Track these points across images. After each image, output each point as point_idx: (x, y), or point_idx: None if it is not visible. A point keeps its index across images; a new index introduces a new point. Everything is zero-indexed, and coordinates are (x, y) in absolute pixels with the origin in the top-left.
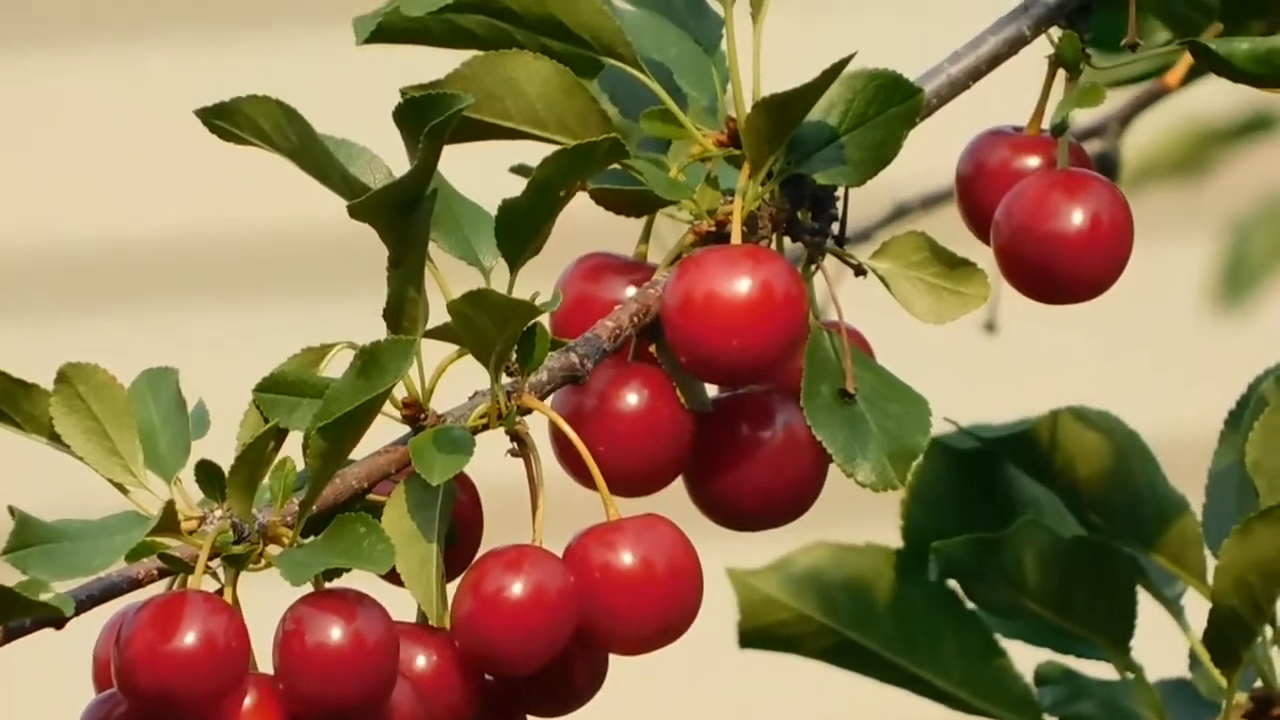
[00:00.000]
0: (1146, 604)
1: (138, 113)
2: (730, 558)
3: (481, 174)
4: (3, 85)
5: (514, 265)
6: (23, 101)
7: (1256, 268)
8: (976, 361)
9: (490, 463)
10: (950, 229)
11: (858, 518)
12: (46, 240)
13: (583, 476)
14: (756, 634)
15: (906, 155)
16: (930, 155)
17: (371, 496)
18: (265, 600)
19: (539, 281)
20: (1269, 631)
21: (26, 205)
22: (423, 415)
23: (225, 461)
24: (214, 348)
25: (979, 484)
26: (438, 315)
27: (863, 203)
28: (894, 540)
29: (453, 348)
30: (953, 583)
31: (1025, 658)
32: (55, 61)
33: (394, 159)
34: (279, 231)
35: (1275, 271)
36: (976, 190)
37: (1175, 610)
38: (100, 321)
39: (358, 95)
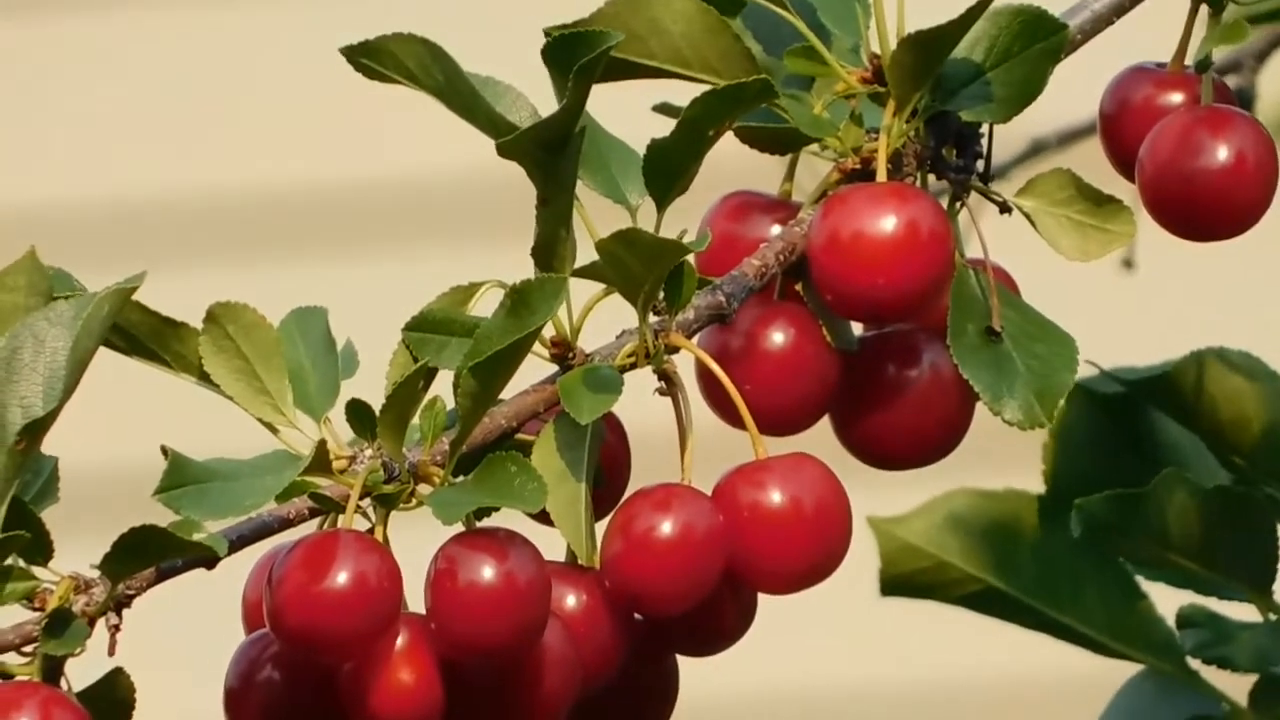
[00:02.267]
0: None
1: (287, 59)
2: (873, 497)
3: (624, 114)
4: (152, 36)
5: (661, 204)
6: (175, 52)
7: None
8: (1117, 302)
9: (639, 404)
10: (1087, 165)
11: (999, 463)
12: (202, 189)
13: (730, 415)
14: (897, 581)
15: (1044, 92)
16: (1066, 92)
17: (520, 435)
18: (416, 540)
19: (683, 220)
20: None
21: (182, 154)
22: (571, 354)
23: (373, 403)
24: (366, 296)
25: (1121, 428)
26: (585, 254)
27: (999, 140)
28: (1035, 485)
29: (600, 287)
30: None
31: (1167, 601)
32: (202, 15)
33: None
34: (427, 179)
35: None
36: (1120, 127)
37: None
38: (252, 270)
39: (498, 36)
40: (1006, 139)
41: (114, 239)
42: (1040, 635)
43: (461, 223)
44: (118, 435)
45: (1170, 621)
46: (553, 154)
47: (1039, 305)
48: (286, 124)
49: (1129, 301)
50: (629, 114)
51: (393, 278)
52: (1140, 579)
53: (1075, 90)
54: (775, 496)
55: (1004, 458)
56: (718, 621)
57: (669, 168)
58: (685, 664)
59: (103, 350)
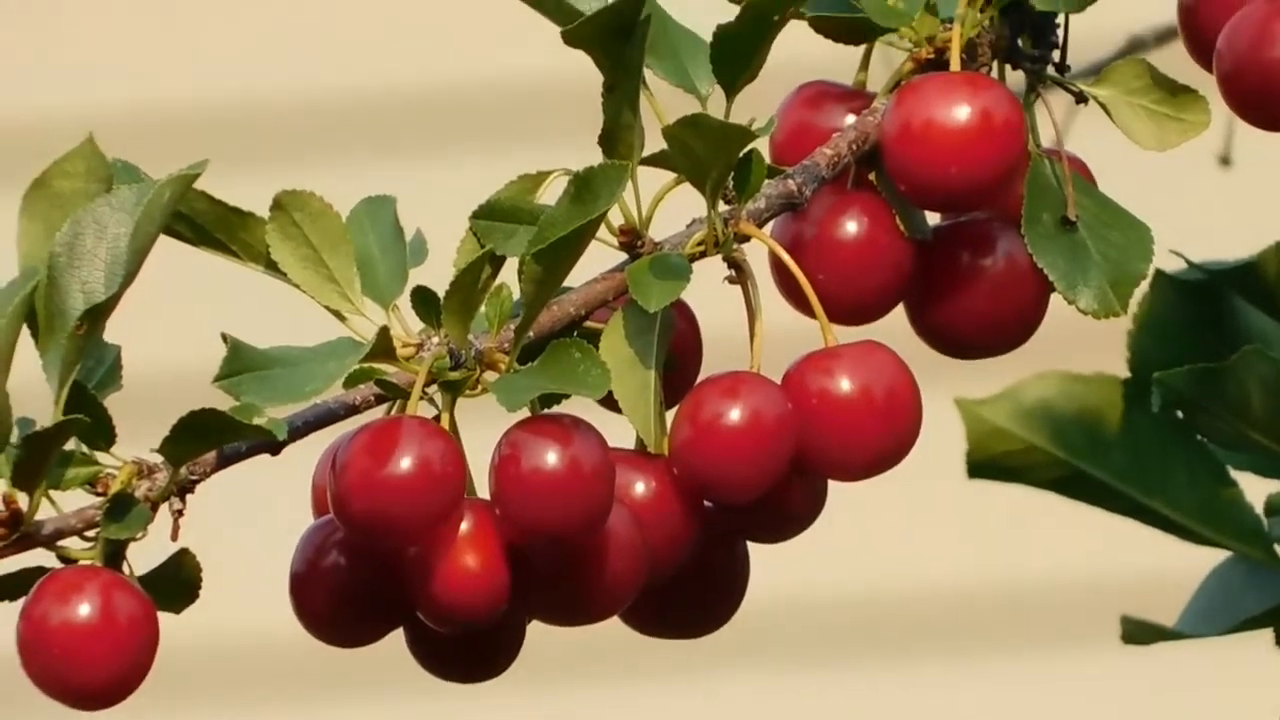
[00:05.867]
0: None
1: None
2: (949, 390)
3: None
4: None
5: (730, 92)
6: None
7: None
8: (1208, 195)
9: (711, 293)
10: (1186, 63)
11: (1086, 349)
12: (286, 90)
13: (801, 305)
14: (985, 464)
15: None
16: None
17: (590, 324)
18: (487, 430)
19: (759, 111)
20: None
21: (257, 58)
22: (640, 242)
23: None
24: (441, 197)
25: (1205, 316)
26: (657, 144)
27: (1096, 37)
28: (1122, 372)
29: (671, 176)
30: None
31: (1255, 490)
32: None
33: None
34: (504, 82)
35: None
36: (1199, 18)
37: None
38: (326, 172)
39: None
40: (1103, 36)
41: (189, 140)
42: (1117, 531)
43: (541, 125)
44: (186, 329)
45: (1259, 508)
46: (618, 41)
47: (1130, 198)
48: (355, 29)
49: (1224, 196)
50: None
51: (471, 179)
52: (1230, 468)
53: None
54: (844, 383)
55: (1087, 345)
56: (788, 508)
57: (735, 54)
58: (764, 561)
59: (171, 243)
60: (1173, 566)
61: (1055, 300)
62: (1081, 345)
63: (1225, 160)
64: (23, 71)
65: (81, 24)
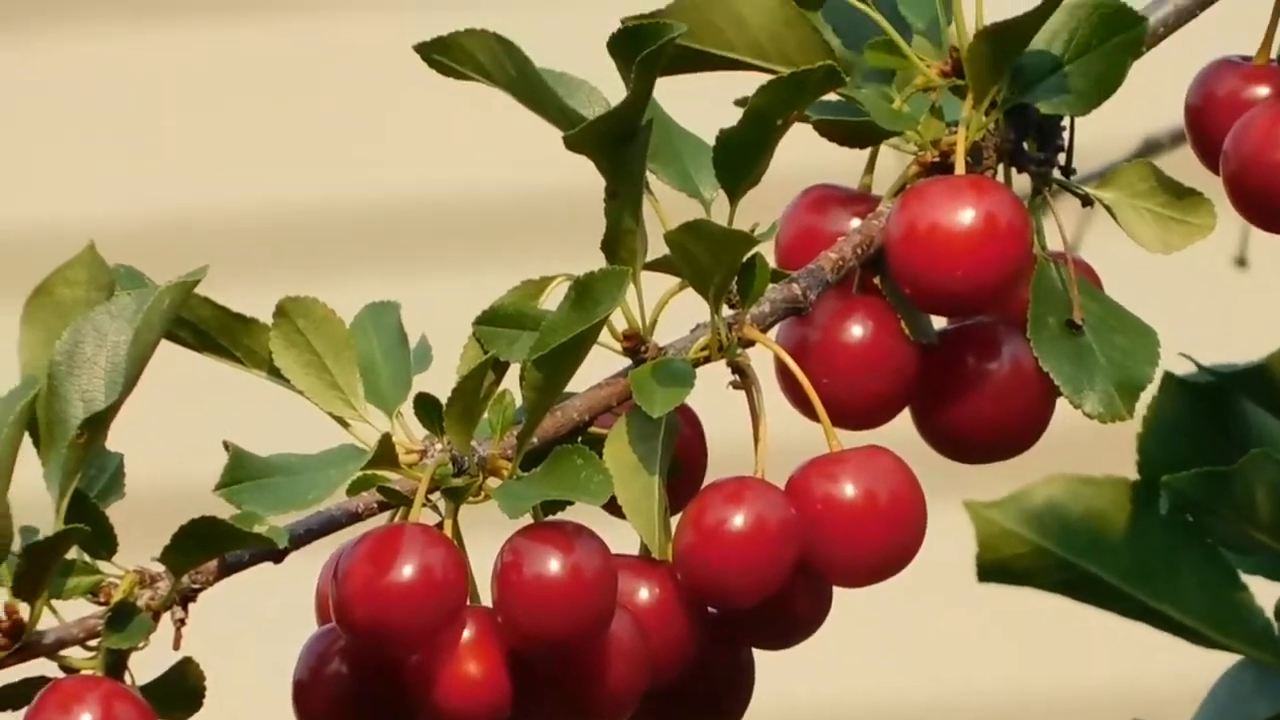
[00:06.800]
0: None
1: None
2: (953, 494)
3: (708, 109)
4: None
5: (733, 196)
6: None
7: None
8: (1221, 298)
9: (715, 399)
10: (1200, 165)
11: (1096, 451)
12: (287, 201)
13: (806, 409)
14: (994, 567)
15: (1159, 89)
16: (1181, 89)
17: (593, 429)
18: (490, 537)
19: (764, 215)
20: None
21: (271, 167)
22: (644, 347)
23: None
24: (441, 308)
25: (1214, 419)
26: (659, 248)
27: (1112, 139)
28: (1133, 473)
29: (675, 281)
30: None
31: (1266, 593)
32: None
33: (617, 95)
34: (508, 195)
35: None
36: (1206, 120)
37: None
38: (336, 280)
39: (580, 30)
40: (1119, 138)
41: (190, 251)
42: (1127, 637)
43: (545, 233)
44: (188, 437)
45: (1269, 612)
46: (619, 145)
47: (1137, 301)
48: (356, 138)
49: (1237, 298)
50: (712, 110)
51: (474, 287)
52: (1239, 571)
53: (1184, 87)
54: (848, 488)
55: (1097, 447)
56: (792, 614)
57: (738, 158)
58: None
59: (174, 349)
60: (1182, 671)
61: (1063, 403)
62: (1092, 447)
63: (1241, 261)
64: (23, 180)
65: (82, 133)
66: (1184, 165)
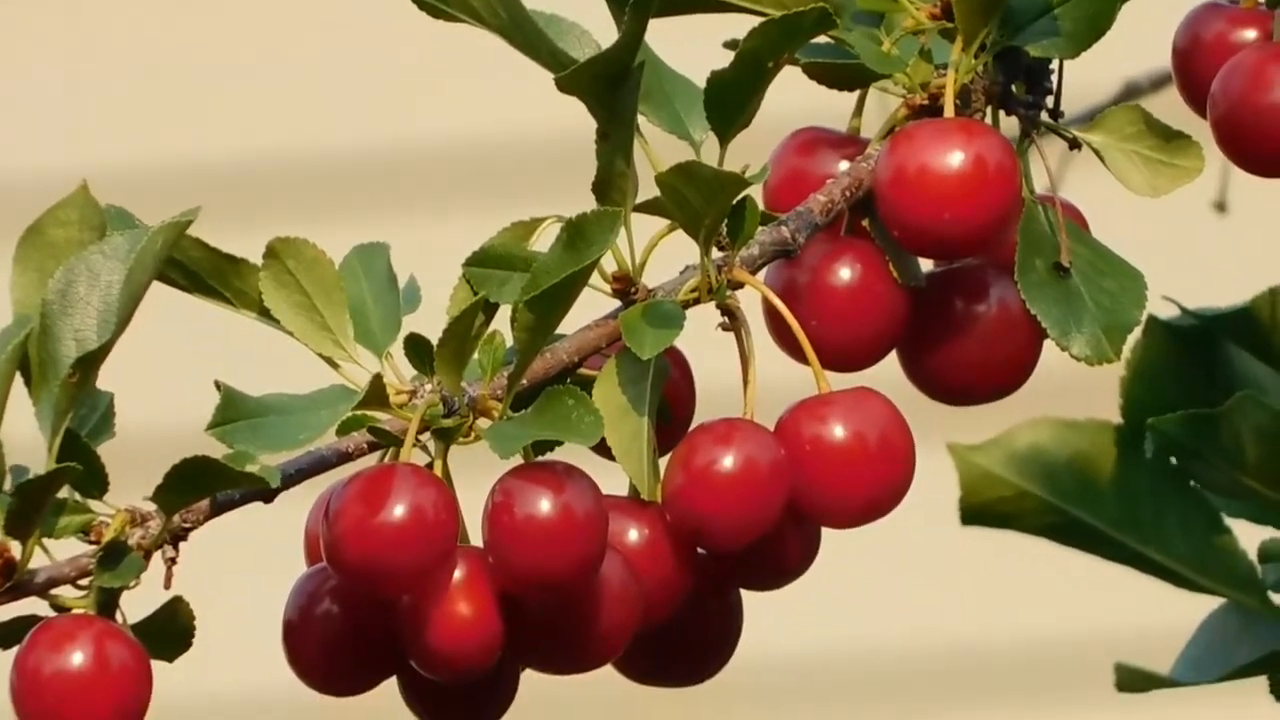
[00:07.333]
0: None
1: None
2: (941, 436)
3: (698, 51)
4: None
5: (724, 138)
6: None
7: None
8: (1203, 242)
9: (704, 340)
10: (1181, 108)
11: (1079, 395)
12: (278, 146)
13: (795, 351)
14: (977, 510)
15: (1139, 34)
16: (1162, 34)
17: (583, 371)
18: (480, 478)
19: (753, 158)
20: None
21: (263, 113)
22: (633, 289)
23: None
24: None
25: (1199, 362)
26: (650, 190)
27: (1092, 82)
28: (1116, 417)
29: (664, 223)
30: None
31: (1250, 537)
32: None
33: (607, 39)
34: (499, 137)
35: None
36: (1193, 63)
37: None
38: (326, 224)
39: None
40: (1099, 81)
41: (182, 196)
42: (1112, 581)
43: (535, 175)
44: (179, 377)
45: (1253, 555)
46: (611, 88)
47: (1125, 244)
48: (346, 85)
49: (1219, 242)
50: (703, 52)
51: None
52: (1224, 515)
53: (1170, 31)
54: (838, 430)
55: (1080, 391)
56: (781, 556)
57: (730, 101)
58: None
59: (165, 290)
60: (1168, 615)
61: (1049, 346)
62: (1075, 391)
63: (1221, 207)
64: (18, 126)
65: (77, 80)
66: (1164, 109)
